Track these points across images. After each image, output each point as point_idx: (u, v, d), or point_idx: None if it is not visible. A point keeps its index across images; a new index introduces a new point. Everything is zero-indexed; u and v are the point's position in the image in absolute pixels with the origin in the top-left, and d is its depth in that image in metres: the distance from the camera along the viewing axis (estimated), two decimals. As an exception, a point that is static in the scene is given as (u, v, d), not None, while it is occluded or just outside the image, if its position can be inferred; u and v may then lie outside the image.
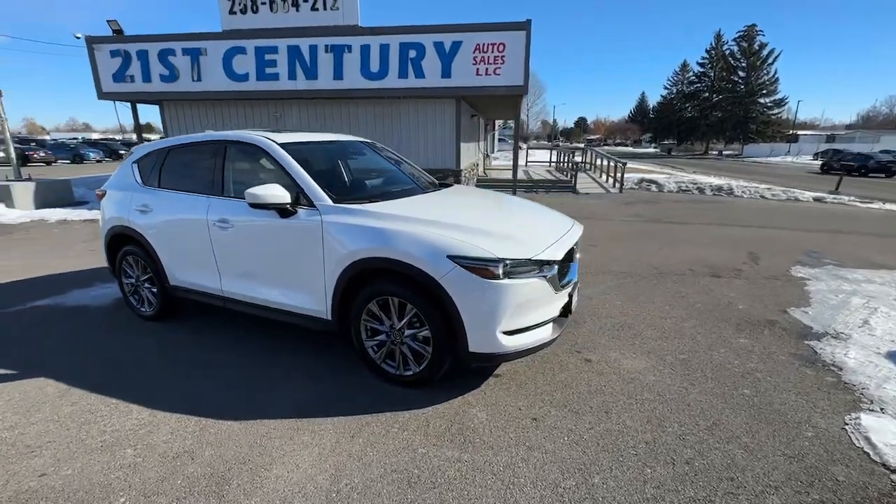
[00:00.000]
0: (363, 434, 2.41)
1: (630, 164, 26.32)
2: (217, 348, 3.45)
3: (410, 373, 2.81)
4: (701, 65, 56.22)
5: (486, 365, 2.72)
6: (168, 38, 9.63)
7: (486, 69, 8.81)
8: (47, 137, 48.65)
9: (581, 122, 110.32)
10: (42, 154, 26.91)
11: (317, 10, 9.14)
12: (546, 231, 2.96)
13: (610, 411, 2.57)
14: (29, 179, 9.87)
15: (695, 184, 14.51)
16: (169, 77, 9.81)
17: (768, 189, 13.98)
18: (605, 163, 16.40)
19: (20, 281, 5.16)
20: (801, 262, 5.82)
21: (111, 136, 56.21)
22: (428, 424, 2.48)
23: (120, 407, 2.71)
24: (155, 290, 3.86)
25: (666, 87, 65.86)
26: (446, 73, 8.91)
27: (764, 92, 50.96)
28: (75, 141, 39.59)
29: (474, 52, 8.75)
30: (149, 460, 2.25)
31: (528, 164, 22.62)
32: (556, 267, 2.70)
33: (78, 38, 9.65)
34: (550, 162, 21.51)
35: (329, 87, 9.31)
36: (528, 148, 28.49)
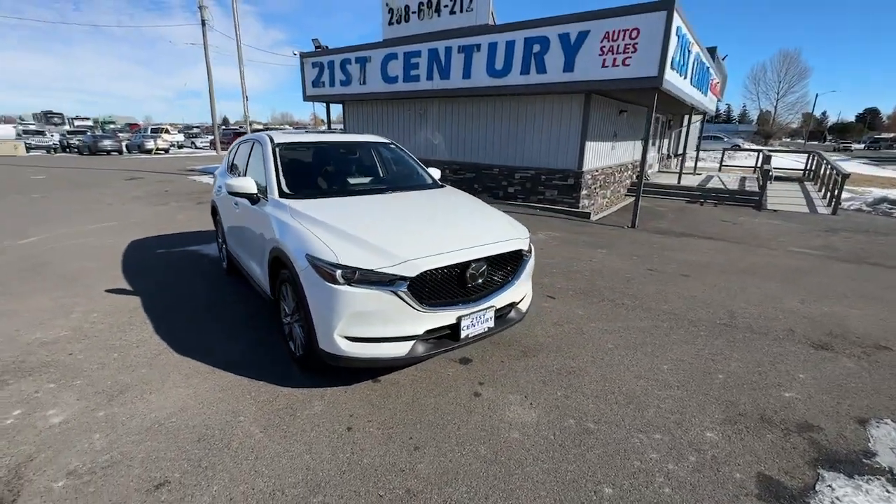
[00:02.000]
0: (229, 391, 2.87)
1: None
2: (243, 304, 4.40)
3: (299, 354, 3.11)
4: None
5: (338, 365, 2.76)
6: (348, 49, 11.73)
7: (614, 59, 7.74)
8: (322, 128, 64.42)
9: (869, 115, 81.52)
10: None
11: (454, 13, 9.66)
12: (435, 244, 2.76)
13: (419, 448, 2.35)
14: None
15: None
16: (345, 82, 11.98)
17: None
18: (825, 171, 12.23)
19: (198, 231, 7.45)
20: None
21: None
22: (273, 401, 2.77)
23: (144, 326, 3.86)
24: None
25: None
26: (569, 66, 8.22)
27: None
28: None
29: (602, 42, 7.79)
30: (114, 364, 3.22)
31: (724, 168, 18.42)
32: (407, 283, 2.55)
33: (294, 54, 12.56)
34: (756, 167, 17.04)
35: (458, 86, 9.76)
36: (728, 149, 23.02)
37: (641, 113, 12.58)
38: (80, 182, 13.45)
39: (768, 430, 2.55)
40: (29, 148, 27.18)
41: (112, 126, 51.10)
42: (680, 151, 18.91)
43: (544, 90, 8.78)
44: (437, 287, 2.70)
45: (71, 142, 28.37)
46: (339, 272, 2.53)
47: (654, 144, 15.79)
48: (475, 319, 2.84)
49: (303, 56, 12.74)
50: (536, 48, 8.50)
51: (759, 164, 17.32)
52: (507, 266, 3.06)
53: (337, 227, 2.84)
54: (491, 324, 2.95)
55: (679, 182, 12.88)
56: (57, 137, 29.73)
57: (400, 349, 2.65)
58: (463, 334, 2.79)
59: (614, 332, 3.81)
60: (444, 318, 2.73)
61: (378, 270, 2.54)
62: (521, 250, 3.11)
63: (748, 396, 2.90)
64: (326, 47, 12.55)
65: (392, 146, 4.61)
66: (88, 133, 30.05)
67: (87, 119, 57.87)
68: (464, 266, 2.75)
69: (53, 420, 2.57)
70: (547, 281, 5.11)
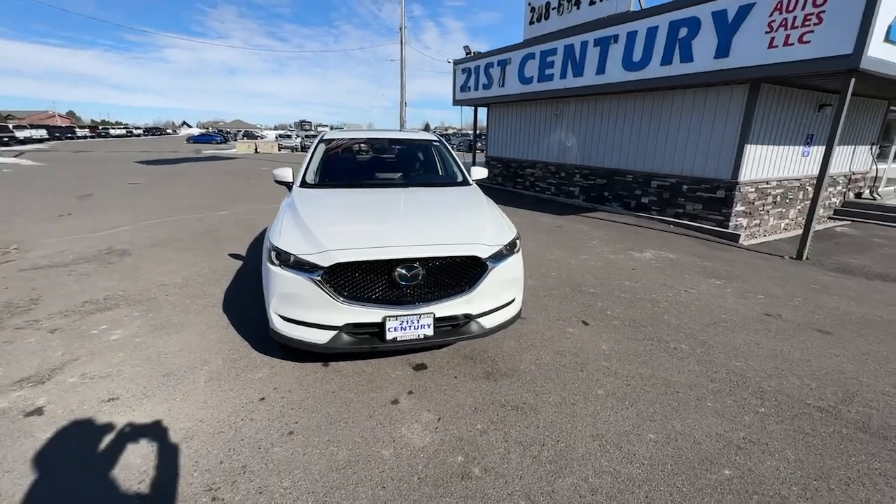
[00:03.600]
0: (219, 344, 3.40)
1: None
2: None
3: (280, 327, 3.45)
4: None
5: (277, 340, 2.86)
6: (491, 53, 11.91)
7: (787, 37, 5.81)
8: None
9: None
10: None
11: (594, 3, 8.76)
12: (371, 239, 2.71)
13: (292, 434, 2.36)
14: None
15: None
16: (487, 85, 12.21)
17: None
18: None
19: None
20: None
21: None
22: (236, 361, 3.16)
23: (223, 284, 4.82)
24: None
25: None
26: (722, 51, 6.54)
27: None
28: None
29: (771, 15, 5.94)
30: (180, 306, 4.15)
31: None
32: (321, 272, 2.57)
33: (448, 62, 13.43)
34: None
35: (591, 83, 8.85)
36: None
37: (868, 107, 9.20)
38: (287, 173, 17.28)
39: (725, 567, 1.68)
40: (280, 147, 36.09)
41: (340, 131, 63.42)
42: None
43: (689, 82, 7.28)
44: (357, 281, 2.65)
45: (305, 143, 36.58)
46: (273, 253, 2.74)
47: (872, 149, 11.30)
48: (406, 323, 2.67)
49: (455, 63, 13.52)
50: (683, 32, 7.11)
51: None
52: (460, 273, 2.77)
53: (303, 215, 3.06)
54: (428, 332, 2.72)
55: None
56: (298, 140, 38.65)
57: (320, 336, 2.70)
58: (389, 336, 2.66)
59: (624, 378, 3.00)
60: (368, 315, 2.66)
61: (299, 256, 2.65)
62: (477, 258, 2.76)
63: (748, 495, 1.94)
64: (477, 53, 13.02)
65: (436, 144, 4.60)
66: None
67: (326, 126, 73.40)
68: (391, 265, 2.61)
69: (112, 337, 3.51)
70: (600, 305, 4.32)
